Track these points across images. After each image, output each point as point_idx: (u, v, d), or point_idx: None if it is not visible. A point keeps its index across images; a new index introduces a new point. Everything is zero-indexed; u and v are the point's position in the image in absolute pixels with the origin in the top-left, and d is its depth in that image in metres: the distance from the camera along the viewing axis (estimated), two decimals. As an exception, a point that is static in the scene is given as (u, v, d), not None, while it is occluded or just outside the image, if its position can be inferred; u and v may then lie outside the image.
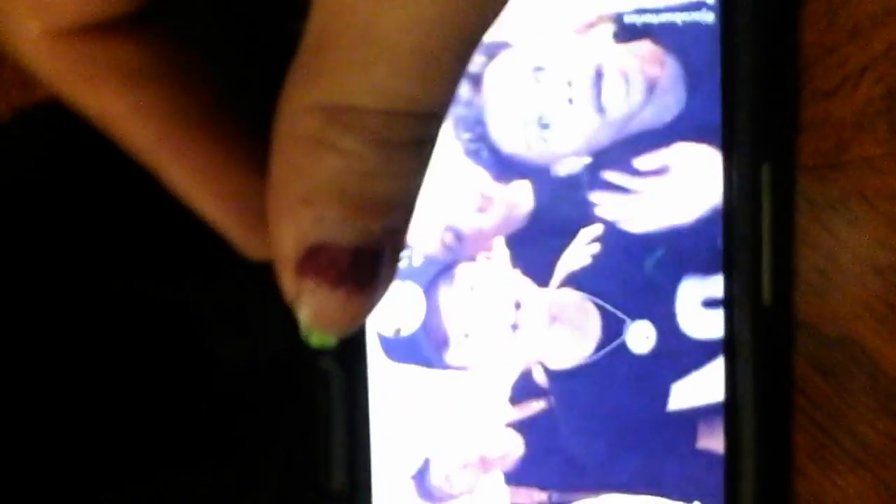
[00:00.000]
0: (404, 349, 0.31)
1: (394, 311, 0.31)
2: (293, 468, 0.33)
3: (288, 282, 0.17)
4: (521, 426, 0.31)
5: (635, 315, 0.31)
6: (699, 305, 0.31)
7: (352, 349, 0.31)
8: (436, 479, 0.31)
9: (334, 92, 0.16)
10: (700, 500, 0.32)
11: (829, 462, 0.33)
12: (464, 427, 0.31)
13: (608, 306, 0.31)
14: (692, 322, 0.31)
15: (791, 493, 0.33)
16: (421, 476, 0.31)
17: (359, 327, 0.29)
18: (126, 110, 0.17)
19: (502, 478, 0.31)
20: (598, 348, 0.31)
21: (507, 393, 0.31)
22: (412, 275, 0.31)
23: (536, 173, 0.31)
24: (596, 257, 0.31)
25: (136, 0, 0.17)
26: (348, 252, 0.17)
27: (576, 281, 0.31)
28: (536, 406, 0.31)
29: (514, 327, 0.31)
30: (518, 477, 0.31)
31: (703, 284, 0.31)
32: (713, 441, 0.31)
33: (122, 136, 0.18)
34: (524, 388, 0.31)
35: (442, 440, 0.31)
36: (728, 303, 0.31)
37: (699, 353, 0.31)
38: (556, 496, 0.31)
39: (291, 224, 0.17)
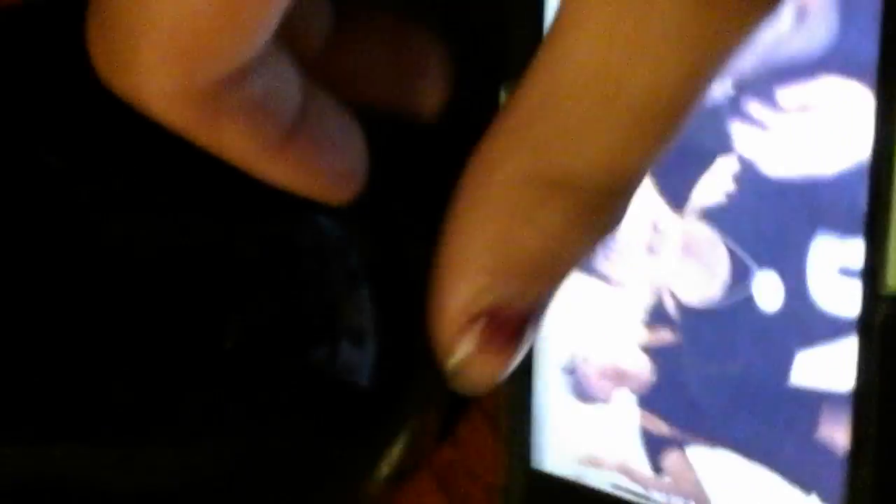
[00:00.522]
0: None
1: None
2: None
3: (447, 337, 0.17)
4: (652, 352, 0.30)
5: (765, 264, 0.28)
6: (835, 271, 0.26)
7: None
8: (581, 377, 0.31)
9: (553, 164, 0.15)
10: (819, 495, 0.28)
11: None
12: (602, 337, 0.31)
13: (738, 249, 0.28)
14: (824, 288, 0.27)
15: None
16: (569, 371, 0.31)
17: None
18: (256, 147, 0.18)
19: (634, 398, 0.31)
20: (727, 293, 0.28)
21: (641, 315, 0.30)
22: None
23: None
24: (730, 195, 0.28)
25: (259, 45, 0.17)
26: (520, 318, 0.17)
27: (709, 215, 0.28)
28: (666, 336, 0.30)
29: (651, 250, 0.29)
30: (647, 401, 0.30)
31: (841, 247, 0.26)
32: (837, 431, 0.27)
33: (250, 167, 0.19)
34: (657, 315, 0.30)
35: (584, 343, 0.31)
36: (868, 274, 0.26)
37: (830, 326, 0.27)
38: (677, 433, 0.30)
39: (467, 286, 0.16)
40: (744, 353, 0.28)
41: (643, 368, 0.30)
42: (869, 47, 0.25)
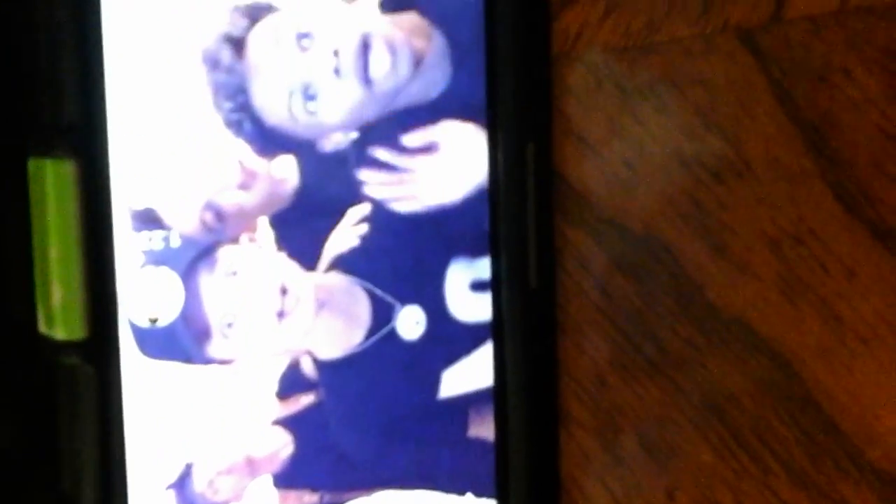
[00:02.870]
0: (161, 342, 0.29)
1: (149, 300, 0.29)
2: (32, 478, 0.32)
3: None
4: (290, 423, 0.30)
5: (406, 300, 0.30)
6: (467, 289, 0.31)
7: (102, 343, 0.28)
8: (199, 485, 0.29)
9: None
10: (472, 492, 0.32)
11: (630, 371, 0.33)
12: (228, 427, 0.30)
13: (377, 291, 0.30)
14: (461, 306, 0.31)
15: (561, 487, 0.34)
16: (182, 484, 0.29)
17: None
18: None
19: (271, 480, 0.30)
20: (368, 335, 0.30)
21: (275, 387, 0.30)
22: (169, 259, 0.28)
23: (302, 148, 0.29)
24: (364, 238, 0.30)
25: None
26: None
27: (344, 264, 0.30)
28: (305, 400, 0.30)
29: (281, 315, 0.30)
30: (288, 479, 0.30)
31: (472, 267, 0.31)
32: (484, 429, 0.31)
33: None
34: (292, 381, 0.30)
35: (204, 442, 0.30)
36: (495, 286, 0.31)
37: (469, 338, 0.31)
38: (327, 497, 0.30)
39: None
40: (390, 387, 0.30)
41: (282, 444, 0.30)
42: (478, 91, 0.29)
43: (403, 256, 0.30)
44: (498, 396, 0.32)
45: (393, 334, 0.30)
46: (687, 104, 0.32)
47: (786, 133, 0.31)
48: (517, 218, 0.32)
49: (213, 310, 0.29)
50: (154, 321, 0.29)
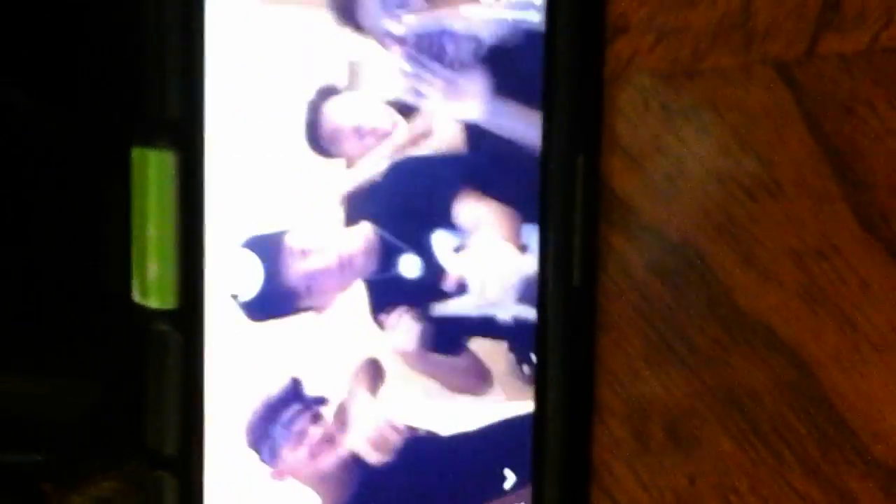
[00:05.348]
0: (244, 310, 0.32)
1: (233, 277, 0.31)
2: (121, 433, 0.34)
3: None
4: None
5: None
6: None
7: (190, 312, 0.31)
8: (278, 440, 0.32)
9: None
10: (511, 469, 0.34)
11: (661, 365, 0.35)
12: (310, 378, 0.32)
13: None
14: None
15: (593, 470, 0.36)
16: (259, 437, 0.32)
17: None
18: None
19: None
20: None
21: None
22: (252, 244, 0.31)
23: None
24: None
25: None
26: None
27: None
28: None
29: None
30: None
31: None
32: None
33: None
34: None
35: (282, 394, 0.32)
36: (542, 283, 0.34)
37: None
38: None
39: None
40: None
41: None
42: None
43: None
44: (539, 385, 0.34)
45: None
46: (725, 127, 0.33)
47: (814, 157, 0.33)
48: (565, 222, 0.34)
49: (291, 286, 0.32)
50: (235, 297, 0.31)
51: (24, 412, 0.36)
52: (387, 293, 0.33)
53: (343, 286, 0.32)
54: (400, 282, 0.33)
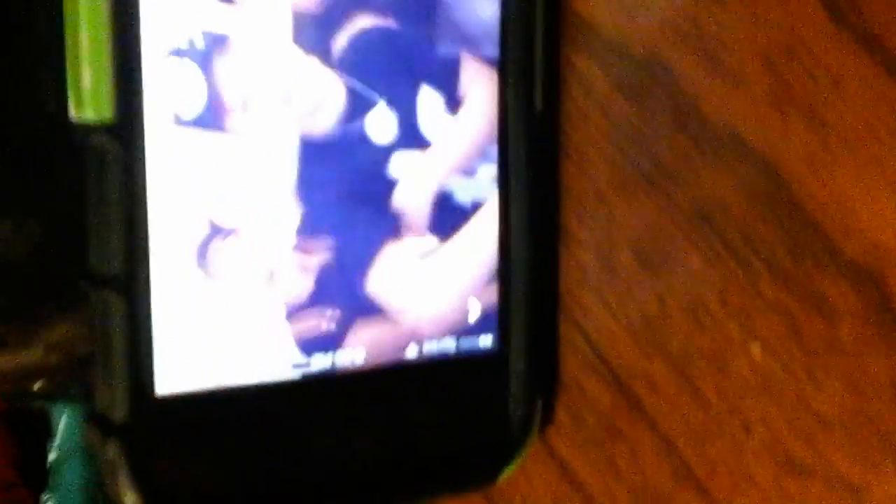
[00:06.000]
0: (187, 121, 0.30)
1: (173, 88, 0.30)
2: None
3: None
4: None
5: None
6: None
7: (128, 123, 0.30)
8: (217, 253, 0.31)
9: None
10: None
11: (627, 186, 0.35)
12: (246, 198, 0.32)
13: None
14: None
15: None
16: (201, 253, 0.31)
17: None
18: None
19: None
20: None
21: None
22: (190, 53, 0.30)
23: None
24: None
25: None
26: None
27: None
28: None
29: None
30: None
31: None
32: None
33: None
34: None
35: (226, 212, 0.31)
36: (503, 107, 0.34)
37: None
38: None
39: None
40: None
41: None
42: None
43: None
44: (502, 215, 0.34)
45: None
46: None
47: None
48: (525, 45, 0.34)
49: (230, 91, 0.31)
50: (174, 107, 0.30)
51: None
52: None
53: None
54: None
